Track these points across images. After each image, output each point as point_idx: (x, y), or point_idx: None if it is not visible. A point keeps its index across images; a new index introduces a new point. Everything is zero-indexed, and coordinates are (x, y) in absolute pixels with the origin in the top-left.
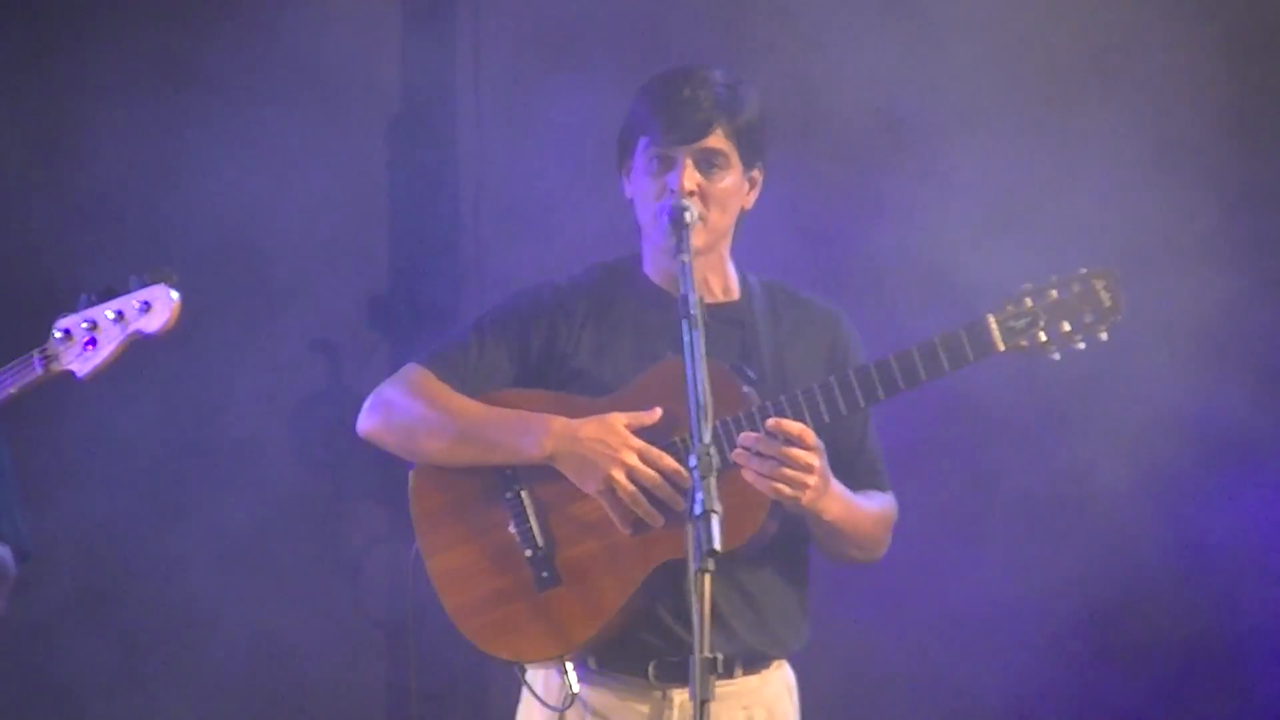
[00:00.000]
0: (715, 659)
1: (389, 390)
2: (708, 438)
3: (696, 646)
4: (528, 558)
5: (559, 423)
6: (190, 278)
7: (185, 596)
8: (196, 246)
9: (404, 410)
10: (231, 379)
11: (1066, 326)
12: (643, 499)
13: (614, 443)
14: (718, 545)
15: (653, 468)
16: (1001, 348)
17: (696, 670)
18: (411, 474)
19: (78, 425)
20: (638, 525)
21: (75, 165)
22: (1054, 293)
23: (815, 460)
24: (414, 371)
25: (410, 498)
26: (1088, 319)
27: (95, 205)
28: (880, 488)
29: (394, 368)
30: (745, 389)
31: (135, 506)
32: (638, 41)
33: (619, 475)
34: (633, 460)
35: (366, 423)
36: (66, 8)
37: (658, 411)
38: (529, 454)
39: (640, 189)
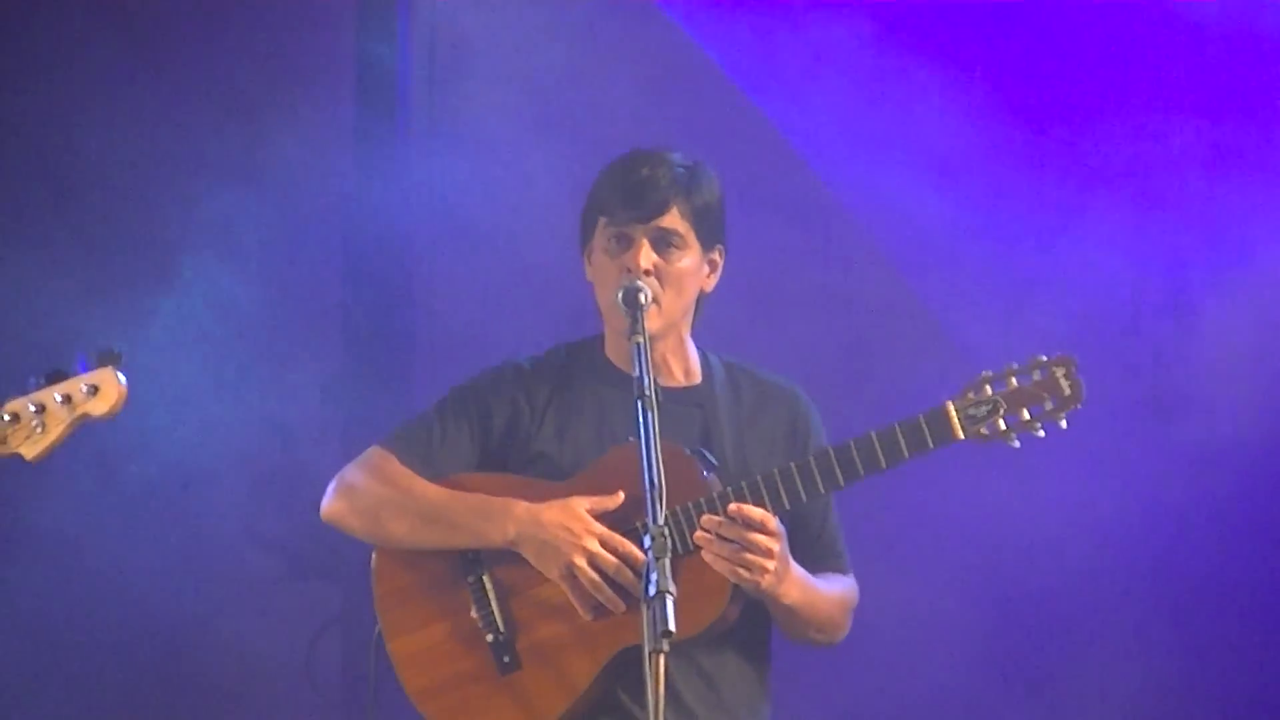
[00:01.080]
0: None
1: (352, 474)
2: (661, 519)
3: None
4: (489, 642)
5: (521, 507)
6: (144, 350)
7: (133, 672)
8: (151, 320)
9: (367, 494)
10: (185, 455)
11: (1026, 415)
12: (604, 585)
13: (576, 529)
14: (672, 626)
15: (614, 554)
16: (961, 436)
17: None
18: (374, 556)
19: (28, 500)
20: (599, 610)
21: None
22: (1014, 380)
23: (775, 545)
24: (377, 455)
25: (373, 579)
26: (1048, 406)
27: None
28: (841, 570)
29: (347, 446)
30: (706, 474)
31: (81, 580)
32: (594, 122)
33: (580, 561)
34: (594, 546)
35: (330, 507)
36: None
37: (620, 496)
38: (492, 538)
39: (599, 269)
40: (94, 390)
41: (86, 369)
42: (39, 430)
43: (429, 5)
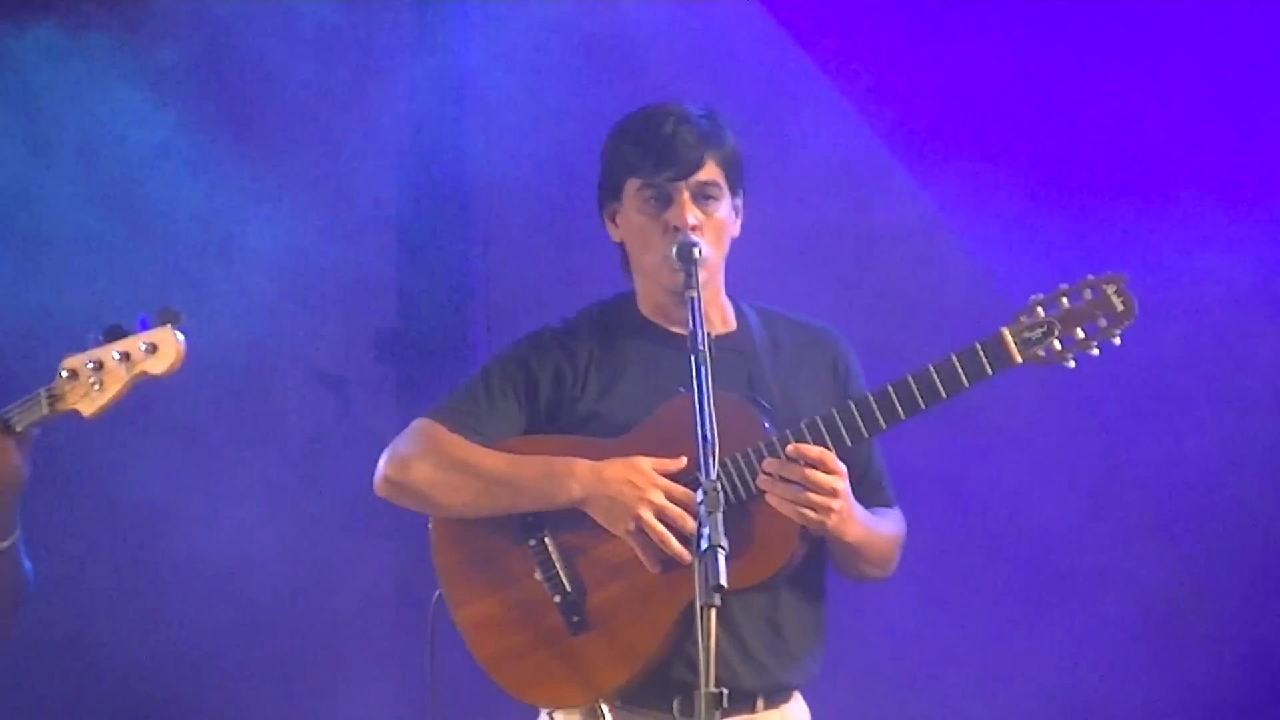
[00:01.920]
0: (721, 694)
1: (404, 448)
2: (714, 474)
3: (701, 681)
4: (557, 604)
5: (584, 465)
6: (199, 310)
7: (191, 634)
8: (203, 279)
9: (422, 468)
10: (239, 413)
11: (1081, 334)
12: (671, 538)
13: (641, 483)
14: (724, 580)
15: (680, 506)
16: (1019, 359)
17: (701, 705)
18: (431, 526)
19: (96, 433)
20: (667, 564)
21: (91, 202)
22: (1066, 301)
23: (839, 483)
24: (427, 426)
25: (432, 550)
26: (1102, 324)
27: (104, 243)
28: (887, 503)
29: (403, 401)
30: (763, 420)
31: (138, 541)
32: (651, 79)
33: (648, 515)
34: (660, 499)
35: (384, 483)
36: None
37: (683, 460)
38: (557, 499)
39: (635, 230)
40: (153, 349)
41: (146, 327)
42: (96, 388)
43: None
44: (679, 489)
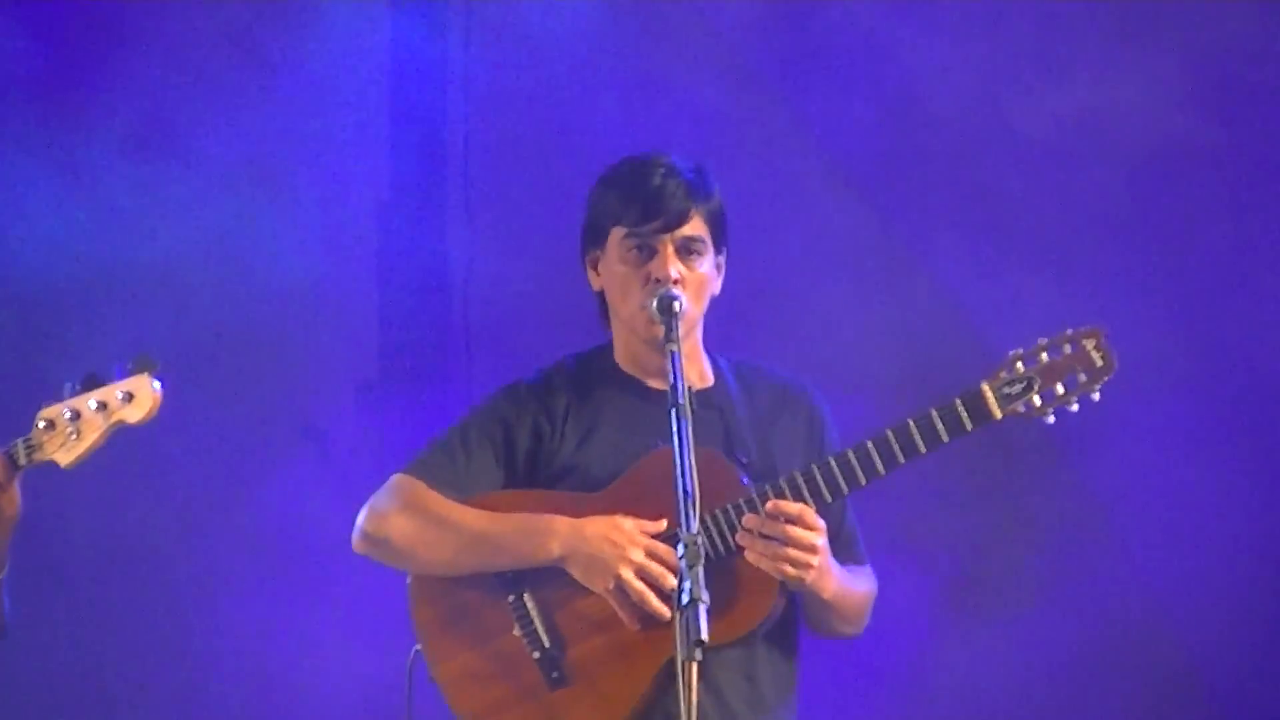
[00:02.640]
0: None
1: (383, 504)
2: (695, 527)
3: None
4: (536, 659)
5: (564, 523)
6: (182, 367)
7: (165, 698)
8: (185, 335)
9: (401, 525)
10: (215, 473)
11: (1060, 388)
12: (651, 595)
13: (621, 540)
14: (705, 635)
15: (660, 563)
16: (999, 415)
17: None
18: (409, 582)
19: (56, 520)
20: (646, 621)
21: (56, 238)
22: (1045, 355)
23: (818, 539)
24: (405, 482)
25: (410, 606)
26: (1081, 378)
27: (78, 286)
28: (859, 561)
29: (385, 459)
30: (742, 475)
31: (119, 601)
32: (629, 127)
33: (627, 573)
34: (640, 557)
35: (362, 539)
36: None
37: (663, 523)
38: (536, 557)
39: (616, 279)
40: (129, 397)
41: (122, 376)
42: (74, 437)
43: None
44: (660, 546)
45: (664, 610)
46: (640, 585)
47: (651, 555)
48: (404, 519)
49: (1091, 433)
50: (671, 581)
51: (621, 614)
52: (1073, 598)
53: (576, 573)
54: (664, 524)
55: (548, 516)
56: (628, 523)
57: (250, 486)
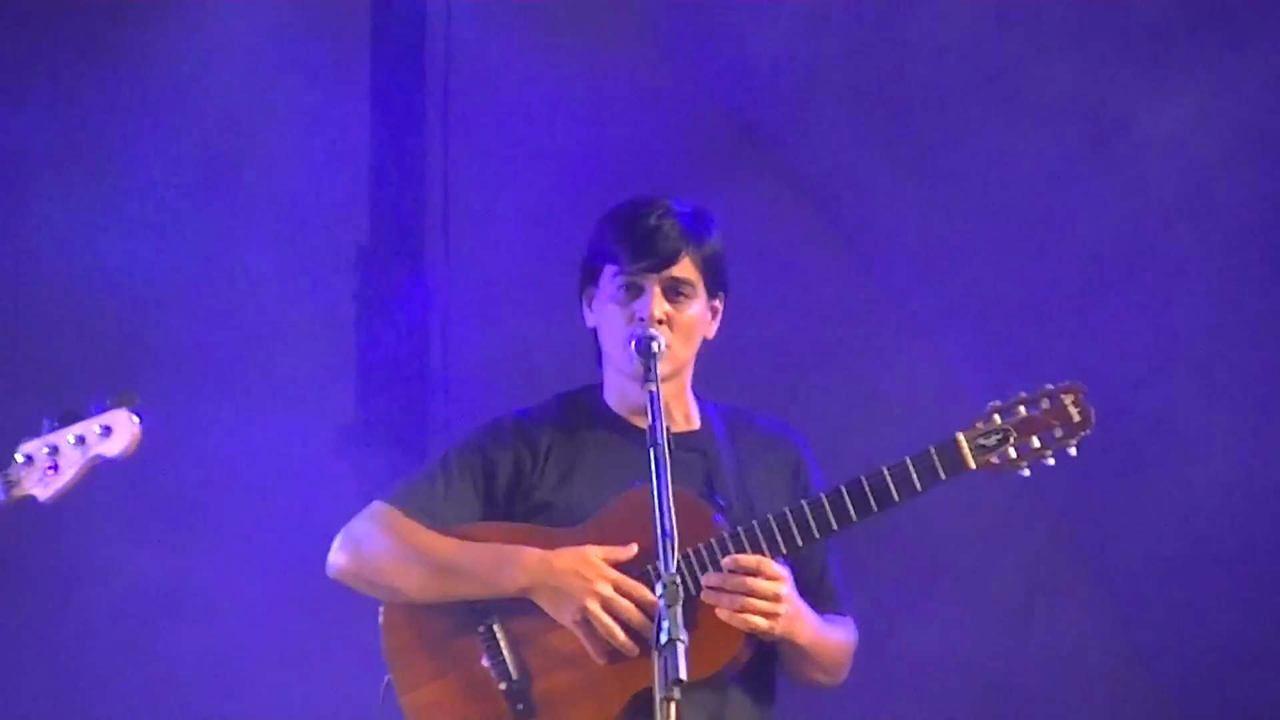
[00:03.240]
0: None
1: (358, 529)
2: (673, 568)
3: None
4: (502, 690)
5: (533, 555)
6: (158, 408)
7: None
8: (161, 372)
9: (374, 550)
10: (196, 510)
11: (1036, 442)
12: (618, 630)
13: (589, 574)
14: (683, 674)
15: (628, 598)
16: (973, 466)
17: None
18: (381, 610)
19: (38, 555)
20: (613, 655)
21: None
22: (1023, 409)
23: (781, 588)
24: (381, 510)
25: (381, 634)
26: (1058, 433)
27: (53, 326)
28: (840, 612)
29: (360, 497)
30: (716, 517)
31: (93, 644)
32: (606, 164)
33: (594, 607)
34: (608, 591)
35: (336, 563)
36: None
37: (633, 548)
38: (504, 588)
39: (605, 317)
40: (108, 431)
41: (101, 410)
42: (52, 472)
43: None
44: (628, 581)
45: (631, 644)
46: (607, 619)
47: (620, 590)
48: (377, 546)
49: None
50: (638, 617)
51: (588, 647)
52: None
53: (544, 604)
54: (634, 549)
55: (517, 548)
56: (596, 555)
57: (227, 521)
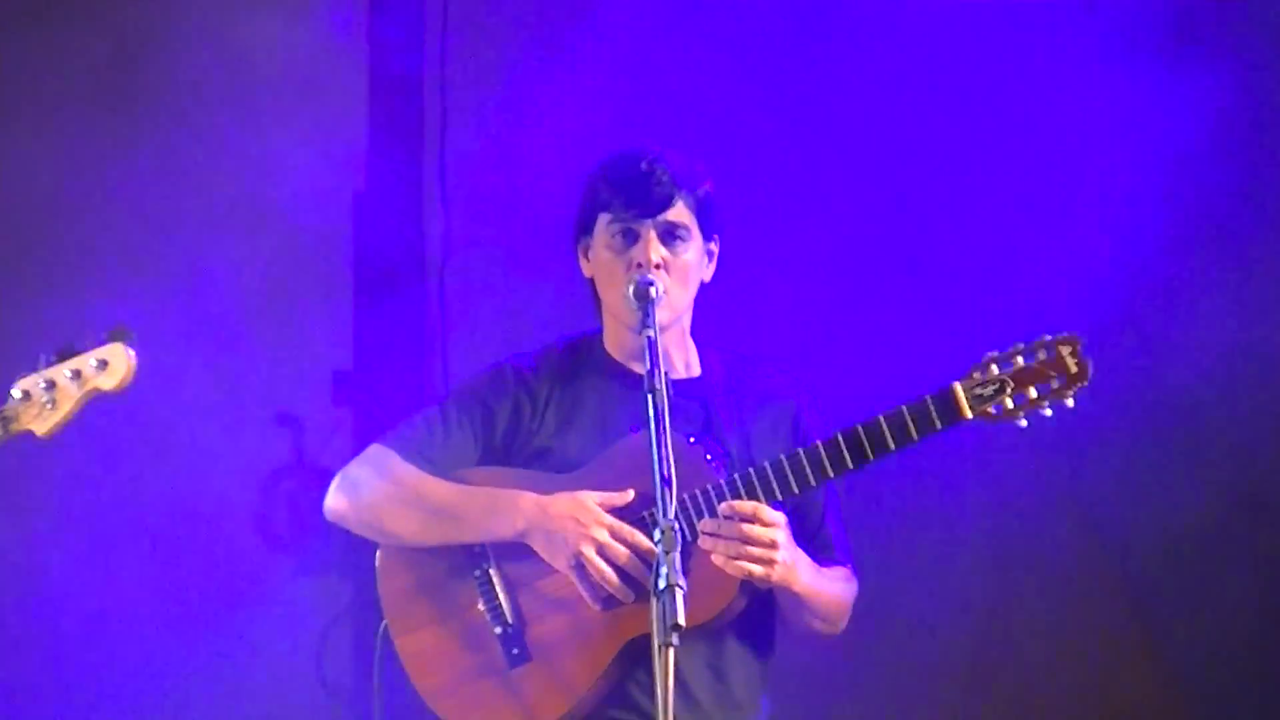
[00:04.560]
0: None
1: (355, 471)
2: (671, 514)
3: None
4: (498, 635)
5: (528, 499)
6: (154, 347)
7: (141, 671)
8: (157, 315)
9: (371, 492)
10: (194, 453)
11: (1033, 393)
12: (613, 575)
13: (585, 519)
14: (681, 620)
15: (623, 544)
16: (969, 416)
17: None
18: (378, 554)
19: (34, 492)
20: (608, 601)
21: (30, 223)
22: (1020, 359)
23: (777, 534)
24: (379, 453)
25: (377, 578)
26: (1054, 385)
27: (57, 274)
28: (839, 562)
29: (358, 443)
30: (713, 464)
31: (89, 578)
32: (610, 116)
33: (589, 552)
34: (603, 537)
35: (333, 505)
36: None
37: (630, 493)
38: (499, 532)
39: (602, 266)
40: (103, 365)
41: (96, 345)
42: (49, 407)
43: None
44: (624, 527)
45: (626, 590)
46: (602, 564)
47: (615, 535)
48: (374, 488)
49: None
50: (633, 562)
51: (583, 592)
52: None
53: (539, 548)
54: (630, 494)
55: (512, 492)
56: (592, 500)
57: (221, 470)
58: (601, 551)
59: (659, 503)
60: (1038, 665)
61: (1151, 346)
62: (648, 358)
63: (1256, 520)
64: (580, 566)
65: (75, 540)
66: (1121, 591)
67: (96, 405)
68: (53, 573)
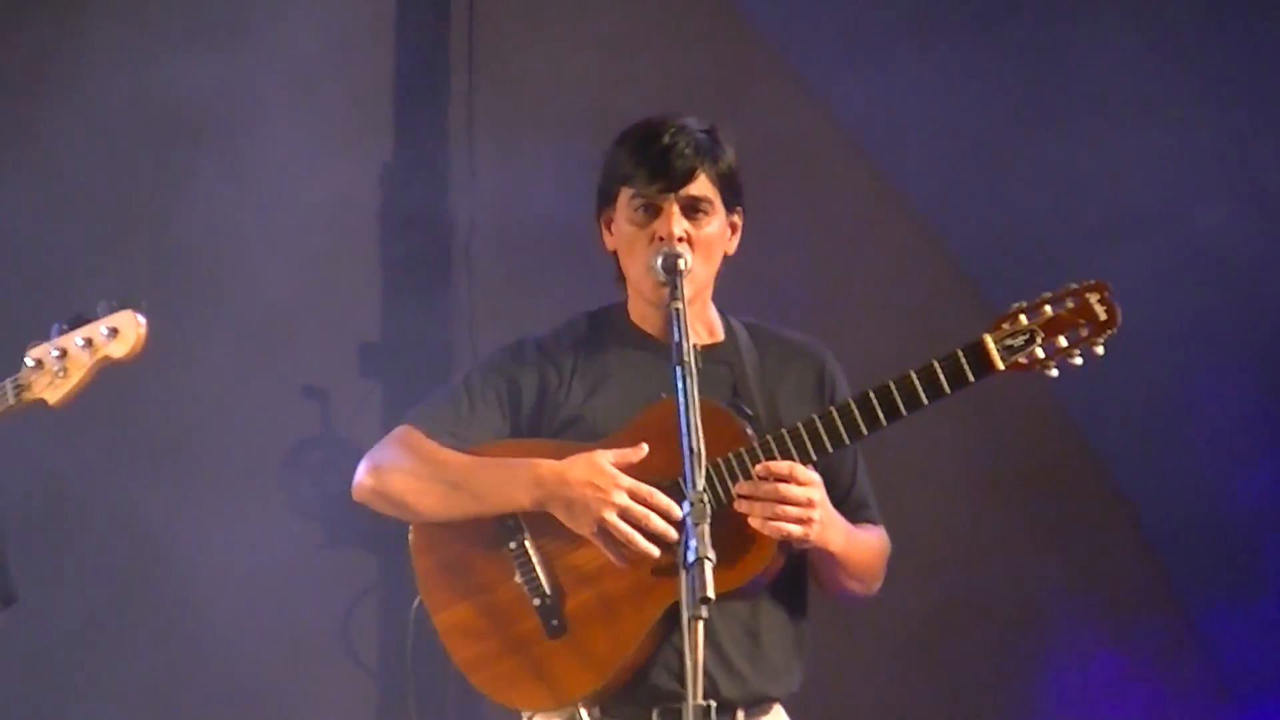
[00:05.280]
0: (709, 706)
1: (379, 453)
2: (700, 484)
3: (690, 693)
4: (536, 607)
5: (545, 466)
6: (183, 320)
7: (172, 645)
8: (186, 287)
9: (394, 470)
10: (224, 426)
11: (1063, 341)
12: (638, 537)
13: (603, 484)
14: (710, 593)
15: (644, 504)
16: (1001, 367)
17: (689, 718)
18: (411, 532)
19: (62, 466)
20: (639, 566)
21: (60, 192)
22: (1048, 309)
23: (814, 493)
24: (403, 431)
25: (411, 554)
26: (1084, 333)
27: (79, 238)
28: (872, 522)
29: (386, 415)
30: (745, 427)
31: (122, 550)
32: (631, 87)
33: (611, 517)
34: (624, 500)
35: (360, 489)
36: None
37: (644, 448)
38: (519, 501)
39: (625, 239)
40: (114, 333)
41: (107, 313)
42: (61, 375)
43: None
44: (642, 487)
45: (651, 549)
46: (625, 527)
47: (635, 496)
48: (399, 466)
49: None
50: (656, 522)
51: (610, 556)
52: None
53: (560, 516)
54: (644, 448)
55: (530, 460)
56: (607, 461)
57: (250, 442)
58: (624, 515)
59: (687, 474)
60: None
61: None
62: (676, 329)
63: None
64: (604, 532)
65: (93, 507)
66: None
67: (127, 377)
68: (64, 535)
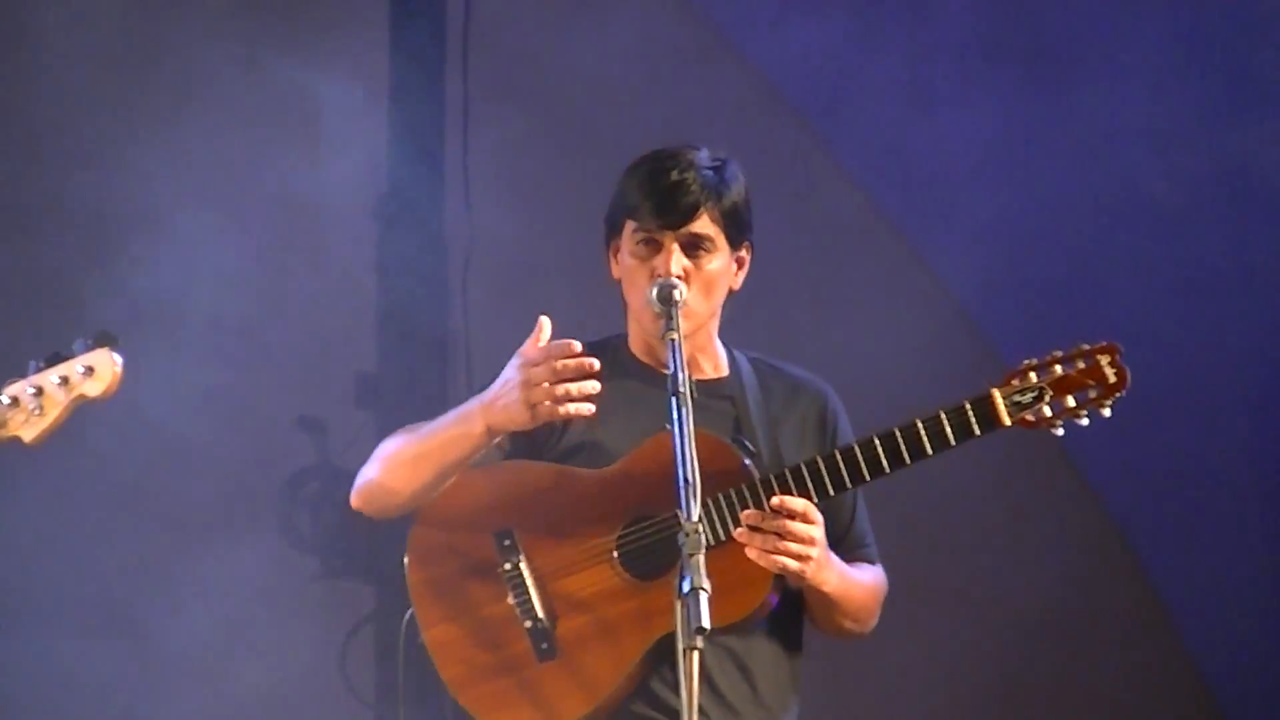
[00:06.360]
0: None
1: (368, 462)
2: (695, 516)
3: None
4: (527, 629)
5: (476, 398)
6: (177, 351)
7: (169, 674)
8: (182, 321)
9: (372, 464)
10: (220, 457)
11: (1071, 401)
12: (573, 393)
13: (516, 373)
14: (706, 623)
15: (557, 359)
16: (1007, 422)
17: None
18: (408, 543)
19: (58, 498)
20: (633, 589)
21: (49, 230)
22: (1058, 368)
23: (817, 533)
24: (387, 439)
25: (406, 569)
26: (1092, 394)
27: (69, 275)
28: (870, 561)
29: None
30: (746, 462)
31: (116, 578)
32: (630, 116)
33: (538, 395)
34: (539, 374)
35: (354, 492)
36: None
37: (545, 322)
38: (474, 435)
39: (627, 271)
40: (89, 371)
41: (83, 351)
42: (36, 413)
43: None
44: (552, 346)
45: (589, 385)
46: (556, 394)
47: (548, 358)
48: (374, 459)
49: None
50: (574, 373)
51: (557, 418)
52: None
53: (508, 424)
54: (546, 323)
55: (471, 400)
56: (522, 350)
57: (245, 472)
58: (547, 391)
59: (684, 505)
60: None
61: None
62: (672, 360)
63: None
64: (534, 407)
65: (92, 539)
66: None
67: (117, 405)
68: (62, 569)
